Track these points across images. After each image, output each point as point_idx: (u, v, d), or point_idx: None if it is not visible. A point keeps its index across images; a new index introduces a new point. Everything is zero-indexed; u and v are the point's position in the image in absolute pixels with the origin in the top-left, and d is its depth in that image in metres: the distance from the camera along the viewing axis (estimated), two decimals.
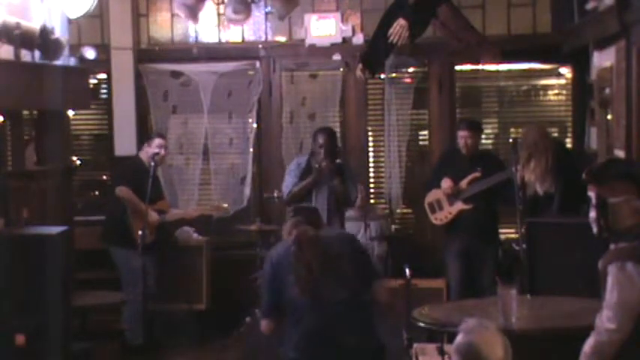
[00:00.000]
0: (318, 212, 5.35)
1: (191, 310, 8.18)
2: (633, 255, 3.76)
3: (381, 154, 8.79)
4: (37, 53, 6.82)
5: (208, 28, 8.86)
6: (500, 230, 7.81)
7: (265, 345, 5.26)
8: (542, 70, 8.86)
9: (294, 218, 4.88)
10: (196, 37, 8.89)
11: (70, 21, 7.65)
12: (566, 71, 8.69)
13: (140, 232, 7.25)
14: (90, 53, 8.05)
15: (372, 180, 8.88)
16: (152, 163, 7.57)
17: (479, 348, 3.21)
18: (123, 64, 8.70)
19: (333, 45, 8.66)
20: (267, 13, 8.74)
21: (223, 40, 8.89)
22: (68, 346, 6.23)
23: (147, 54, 8.83)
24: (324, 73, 8.80)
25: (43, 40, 6.77)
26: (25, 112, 7.32)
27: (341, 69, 8.72)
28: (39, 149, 7.41)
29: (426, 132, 8.85)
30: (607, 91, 6.89)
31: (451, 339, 3.54)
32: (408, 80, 8.76)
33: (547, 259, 6.07)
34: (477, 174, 7.41)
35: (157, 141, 7.81)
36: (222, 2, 8.46)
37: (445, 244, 7.76)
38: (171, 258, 8.10)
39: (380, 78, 8.56)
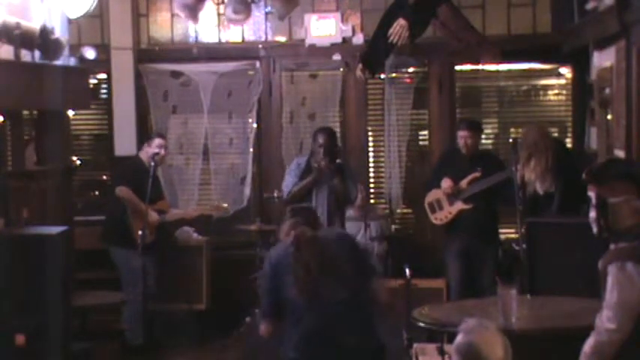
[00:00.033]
0: (315, 212, 5.34)
1: (191, 310, 8.18)
2: (633, 255, 3.76)
3: (381, 154, 8.79)
4: (37, 53, 6.82)
5: (208, 28, 8.86)
6: (500, 230, 7.81)
7: (265, 345, 5.25)
8: (542, 70, 8.86)
9: (292, 219, 4.86)
10: (196, 37, 8.90)
11: (70, 21, 7.65)
12: (566, 71, 8.69)
13: (140, 232, 7.26)
14: (90, 53, 8.05)
15: (372, 180, 8.88)
16: (152, 163, 7.57)
17: (479, 348, 3.22)
18: (123, 64, 8.70)
19: (333, 45, 8.67)
20: (267, 13, 8.74)
21: (223, 40, 8.90)
22: (68, 346, 6.23)
23: (147, 54, 8.83)
24: (324, 73, 8.80)
25: (43, 40, 6.77)
26: (25, 112, 7.32)
27: (341, 69, 8.72)
28: (39, 149, 7.41)
29: (426, 132, 8.85)
30: (607, 91, 6.89)
31: (451, 339, 3.54)
32: (408, 80, 8.76)
33: (547, 259, 6.08)
34: (476, 174, 7.41)
35: (157, 141, 7.81)
36: (222, 2, 8.46)
37: (445, 244, 7.76)
38: (171, 258, 8.10)
39: (380, 78, 8.56)
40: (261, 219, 7.95)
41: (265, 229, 7.76)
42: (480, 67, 8.56)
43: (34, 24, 6.81)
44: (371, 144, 8.89)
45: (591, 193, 3.93)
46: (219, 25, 8.85)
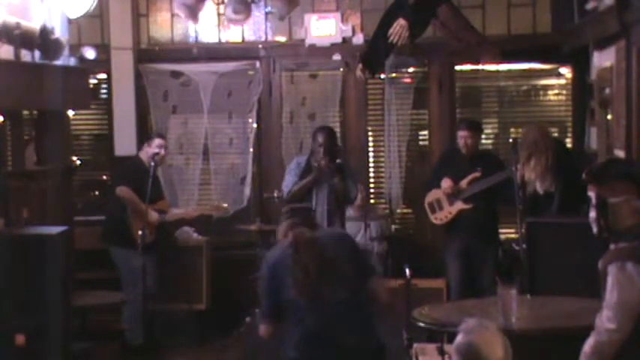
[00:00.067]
0: (313, 213, 5.34)
1: (191, 310, 8.18)
2: (633, 255, 3.76)
3: (381, 154, 8.79)
4: (37, 53, 6.82)
5: (208, 28, 8.86)
6: (500, 230, 7.81)
7: (265, 345, 5.25)
8: (542, 70, 8.86)
9: (289, 220, 4.85)
10: (196, 37, 8.90)
11: (70, 21, 7.65)
12: (566, 71, 8.69)
13: (140, 232, 7.25)
14: (90, 53, 8.05)
15: (372, 180, 8.88)
16: (152, 163, 7.57)
17: (479, 348, 3.21)
18: (123, 64, 8.70)
19: (333, 45, 8.67)
20: (267, 13, 8.74)
21: (223, 40, 8.89)
22: (68, 346, 6.23)
23: (147, 54, 8.83)
24: (324, 73, 8.80)
25: (43, 40, 6.77)
26: (25, 112, 7.32)
27: (341, 69, 8.72)
28: (39, 149, 7.41)
29: (426, 132, 8.85)
30: (607, 91, 6.89)
31: (451, 339, 3.54)
32: (408, 80, 8.76)
33: (547, 259, 6.07)
34: (476, 174, 7.41)
35: (157, 141, 7.82)
36: (222, 2, 8.47)
37: (445, 244, 7.76)
38: (171, 258, 8.10)
39: (380, 78, 8.57)
40: (261, 219, 7.94)
41: (265, 229, 7.75)
42: (480, 67, 8.56)
43: (34, 24, 6.80)
44: (371, 144, 8.89)
45: (591, 193, 3.93)
46: (219, 25, 8.85)
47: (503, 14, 8.58)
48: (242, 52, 8.84)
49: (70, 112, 7.95)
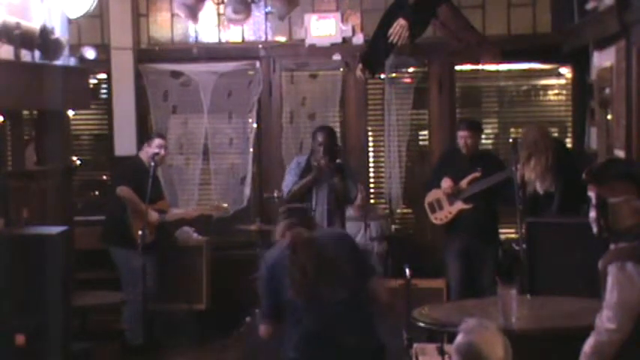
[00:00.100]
0: (310, 212, 5.32)
1: (191, 310, 8.18)
2: (633, 255, 3.76)
3: (381, 154, 8.79)
4: (37, 53, 6.82)
5: (208, 28, 8.86)
6: (500, 230, 7.81)
7: (265, 345, 5.25)
8: (542, 70, 8.86)
9: (287, 220, 4.84)
10: (196, 37, 8.90)
11: (70, 21, 7.65)
12: (566, 71, 8.69)
13: (140, 232, 7.25)
14: (90, 53, 8.05)
15: (372, 180, 8.88)
16: (152, 163, 7.57)
17: (479, 348, 3.22)
18: (123, 64, 8.70)
19: (333, 45, 8.67)
20: (267, 13, 8.74)
21: (223, 40, 8.89)
22: (68, 346, 6.23)
23: (147, 54, 8.83)
24: (324, 73, 8.80)
25: (43, 40, 6.77)
26: (25, 112, 7.32)
27: (341, 69, 8.72)
28: (39, 149, 7.41)
29: (426, 132, 8.85)
30: (607, 91, 6.89)
31: (451, 339, 3.54)
32: (408, 80, 8.76)
33: (547, 259, 6.07)
34: (476, 174, 7.41)
35: (157, 141, 7.82)
36: (222, 2, 8.47)
37: (445, 244, 7.76)
38: (171, 258, 8.10)
39: (380, 78, 8.57)
40: (261, 219, 7.93)
41: (265, 229, 7.74)
42: (480, 67, 8.56)
43: (34, 24, 6.81)
44: (371, 144, 8.89)
45: (591, 193, 3.93)
46: (219, 25, 8.85)
47: (503, 14, 8.58)
48: (242, 52, 8.84)
49: (70, 112, 7.95)
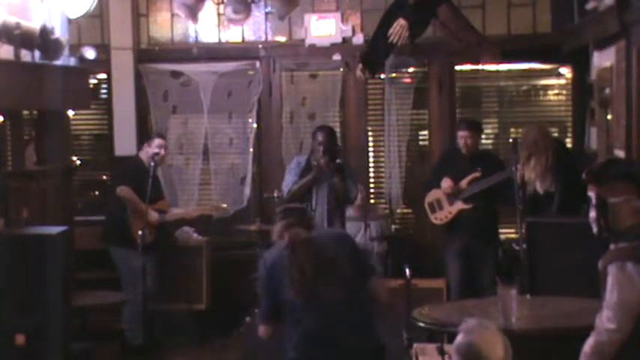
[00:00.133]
0: (312, 212, 5.32)
1: (191, 310, 8.18)
2: (633, 255, 3.76)
3: (381, 154, 8.79)
4: (37, 53, 6.82)
5: (208, 28, 8.86)
6: (500, 230, 7.81)
7: (265, 345, 5.25)
8: (542, 70, 8.86)
9: (285, 220, 4.84)
10: (196, 37, 8.90)
11: (70, 21, 7.65)
12: (566, 71, 8.69)
13: (140, 232, 7.25)
14: (90, 53, 8.05)
15: (372, 180, 8.88)
16: (152, 163, 7.57)
17: (479, 348, 3.21)
18: (123, 64, 8.70)
19: (333, 45, 8.67)
20: (267, 13, 8.74)
21: (223, 40, 8.89)
22: (68, 346, 6.23)
23: (147, 54, 8.83)
24: (324, 73, 8.80)
25: (43, 40, 6.77)
26: (25, 112, 7.32)
27: (341, 69, 8.72)
28: (39, 149, 7.41)
29: (426, 132, 8.85)
30: (607, 91, 6.89)
31: (451, 339, 3.54)
32: (408, 80, 8.76)
33: (547, 259, 6.07)
34: (476, 174, 7.41)
35: (157, 141, 7.82)
36: (222, 2, 8.46)
37: (445, 244, 7.76)
38: (171, 258, 8.10)
39: (380, 78, 8.57)
40: (261, 219, 7.92)
41: (265, 229, 7.72)
42: (480, 67, 8.56)
43: (34, 24, 6.81)
44: (371, 144, 8.89)
45: (591, 193, 3.92)
46: (219, 25, 8.85)
47: (503, 14, 8.58)
48: (242, 52, 8.84)
49: (70, 112, 7.95)
